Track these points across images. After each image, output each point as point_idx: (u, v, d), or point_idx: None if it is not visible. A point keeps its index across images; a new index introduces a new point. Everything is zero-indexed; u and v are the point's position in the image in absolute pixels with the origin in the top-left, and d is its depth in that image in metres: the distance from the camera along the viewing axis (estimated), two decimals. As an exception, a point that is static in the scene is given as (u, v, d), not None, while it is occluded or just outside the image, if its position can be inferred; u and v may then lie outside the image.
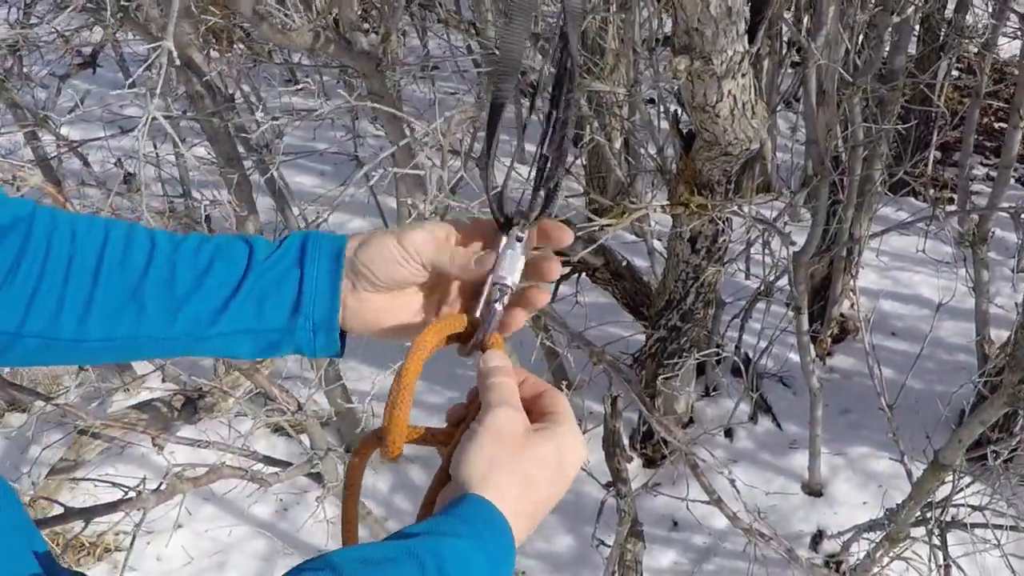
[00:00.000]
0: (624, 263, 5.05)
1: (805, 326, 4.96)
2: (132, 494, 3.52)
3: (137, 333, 1.26)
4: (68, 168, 7.43)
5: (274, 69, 9.79)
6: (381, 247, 1.28)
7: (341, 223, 8.10)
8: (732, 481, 4.56)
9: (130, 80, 3.17)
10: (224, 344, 1.29)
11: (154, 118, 2.88)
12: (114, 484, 3.80)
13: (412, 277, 1.31)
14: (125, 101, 8.22)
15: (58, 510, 3.51)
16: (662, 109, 5.91)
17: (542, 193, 1.35)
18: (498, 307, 1.30)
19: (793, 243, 4.71)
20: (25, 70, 6.96)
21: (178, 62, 2.77)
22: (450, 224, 1.35)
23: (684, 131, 4.07)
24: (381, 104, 3.80)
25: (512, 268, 1.31)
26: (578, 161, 7.04)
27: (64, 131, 6.43)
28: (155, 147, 6.45)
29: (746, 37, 3.21)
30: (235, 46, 7.71)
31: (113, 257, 1.26)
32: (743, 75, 3.32)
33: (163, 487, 3.56)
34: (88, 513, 3.46)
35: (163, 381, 6.30)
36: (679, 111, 4.23)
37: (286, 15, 3.51)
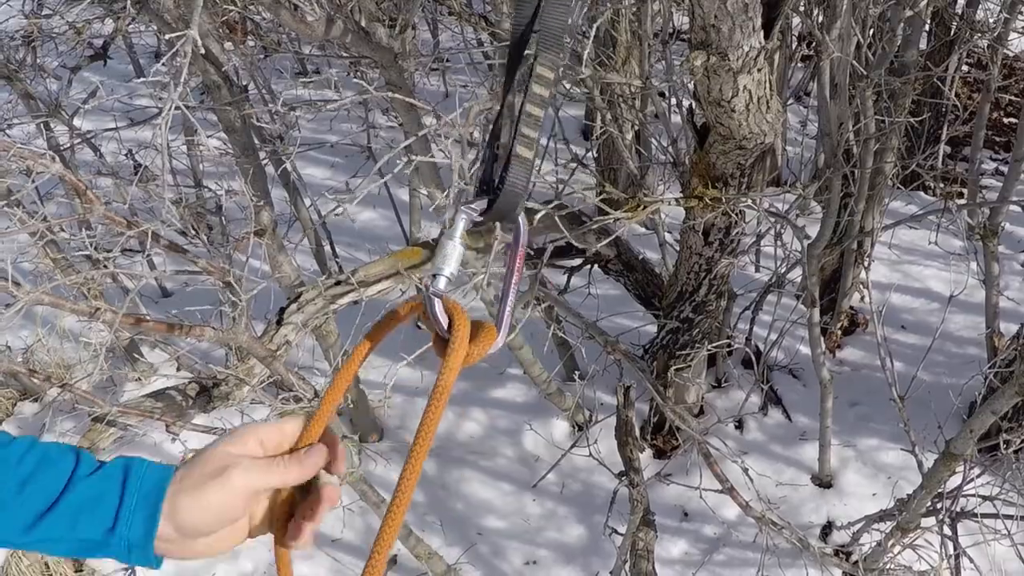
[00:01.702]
0: (637, 255, 5.07)
1: (816, 318, 4.98)
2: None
3: None
4: (80, 159, 7.46)
5: (285, 62, 9.82)
6: (205, 499, 1.28)
7: (353, 214, 8.11)
8: (745, 470, 4.58)
9: (153, 68, 3.19)
10: (40, 547, 1.29)
11: (175, 108, 2.90)
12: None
13: (240, 514, 1.33)
14: (137, 92, 8.24)
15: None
16: (675, 102, 5.93)
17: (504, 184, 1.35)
18: (437, 297, 1.31)
19: (807, 236, 4.73)
20: (38, 61, 6.99)
21: (203, 51, 2.79)
22: (277, 428, 1.36)
23: (698, 125, 4.09)
24: (399, 94, 3.82)
25: (448, 259, 1.33)
26: (589, 154, 7.06)
27: (76, 122, 6.46)
28: (167, 138, 6.47)
29: (762, 32, 3.23)
30: (248, 38, 7.74)
31: None
32: (759, 70, 3.34)
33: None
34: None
35: (178, 369, 6.33)
36: (693, 105, 4.25)
37: (304, 4, 3.53)
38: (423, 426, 1.27)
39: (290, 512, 1.37)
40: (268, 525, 1.39)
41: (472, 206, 1.34)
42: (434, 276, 1.32)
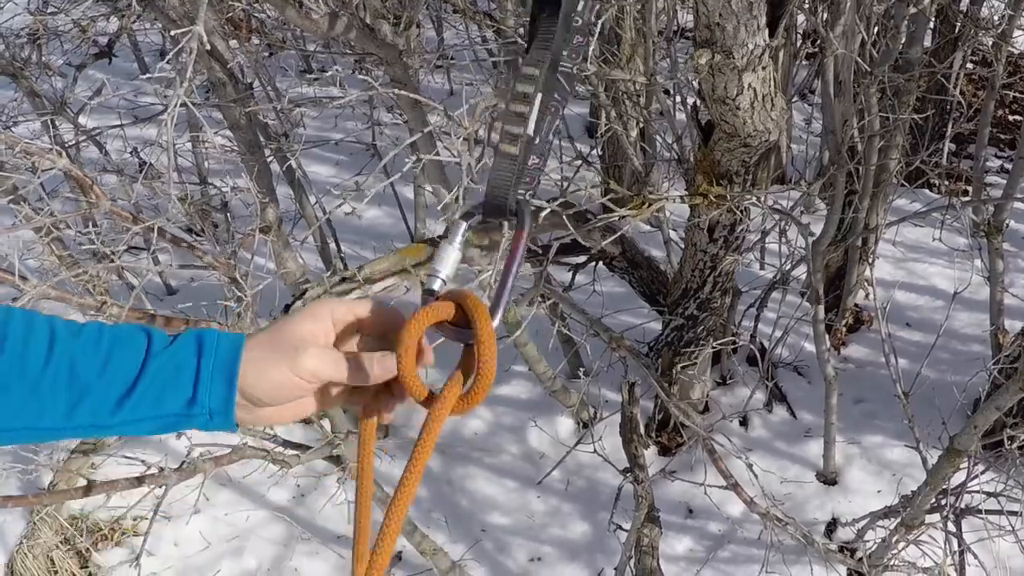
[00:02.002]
0: (642, 252, 5.07)
1: (821, 315, 4.98)
2: (154, 470, 3.56)
3: (38, 424, 1.28)
4: (86, 157, 7.47)
5: (290, 60, 9.83)
6: (271, 376, 1.31)
7: (358, 212, 8.12)
8: (750, 466, 4.58)
9: (159, 64, 3.19)
10: (125, 429, 1.32)
11: (181, 104, 2.91)
12: (140, 460, 3.83)
13: (306, 394, 1.36)
14: (142, 90, 8.26)
15: (82, 483, 3.54)
16: (679, 100, 5.93)
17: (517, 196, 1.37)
18: (431, 296, 1.35)
19: (812, 233, 4.73)
20: (44, 59, 7.00)
21: (208, 46, 2.80)
22: (349, 309, 1.38)
23: (703, 122, 4.09)
24: (404, 91, 3.82)
25: (445, 262, 1.37)
26: (594, 152, 7.07)
27: (81, 120, 6.47)
28: (167, 137, 6.48)
29: (767, 30, 3.23)
30: (253, 36, 7.74)
31: (12, 350, 1.28)
32: (763, 68, 3.34)
33: (185, 466, 3.59)
34: (111, 487, 3.49)
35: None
36: (698, 102, 4.25)
37: (310, 1, 3.54)
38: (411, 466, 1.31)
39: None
40: (346, 399, 1.42)
41: (470, 209, 1.39)
42: (430, 276, 1.36)
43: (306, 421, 5.97)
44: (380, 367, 1.34)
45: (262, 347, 1.32)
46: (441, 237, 4.38)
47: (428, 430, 1.29)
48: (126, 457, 4.04)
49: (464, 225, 1.38)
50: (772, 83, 3.46)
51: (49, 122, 6.12)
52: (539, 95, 1.37)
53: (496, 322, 1.31)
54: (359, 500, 1.45)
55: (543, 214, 4.01)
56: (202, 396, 1.29)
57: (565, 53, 1.38)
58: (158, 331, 1.34)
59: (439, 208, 3.91)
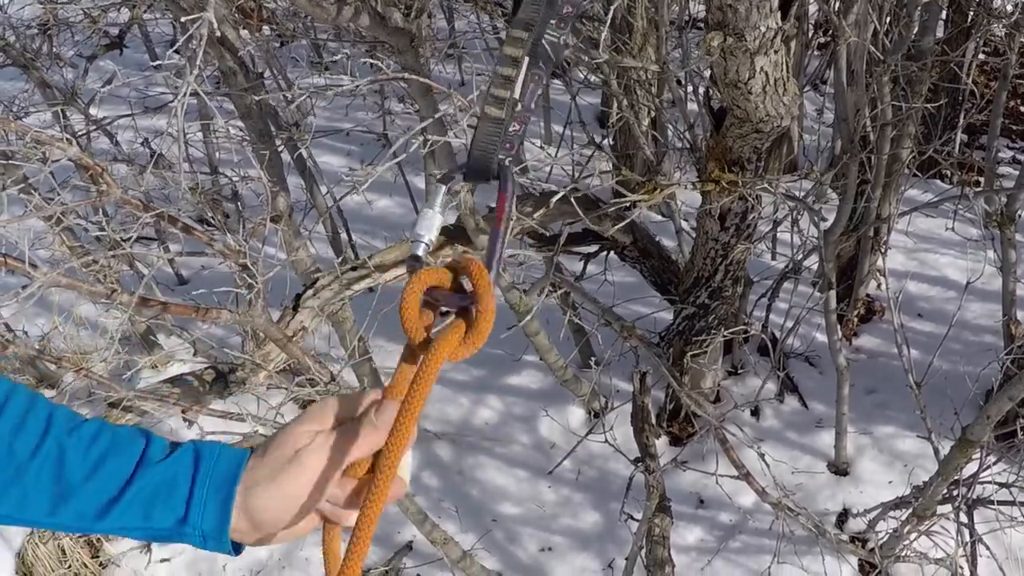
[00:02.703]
0: (653, 241, 5.07)
1: (833, 304, 4.97)
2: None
3: (20, 515, 1.25)
4: (96, 147, 7.47)
5: (301, 50, 9.83)
6: (284, 493, 1.25)
7: (370, 201, 8.12)
8: (762, 455, 4.57)
9: (169, 52, 3.19)
10: (114, 533, 1.28)
11: (192, 93, 2.90)
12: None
13: (318, 499, 1.28)
14: (153, 81, 8.26)
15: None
16: (691, 88, 5.92)
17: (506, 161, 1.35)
18: (416, 262, 1.33)
19: (824, 219, 4.72)
20: (55, 50, 7.00)
21: (218, 33, 2.79)
22: (327, 410, 1.30)
23: (715, 108, 4.08)
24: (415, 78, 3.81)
25: (428, 226, 1.35)
26: (606, 141, 7.06)
27: (92, 111, 6.47)
28: (178, 126, 6.48)
29: (779, 13, 3.22)
30: (263, 26, 7.74)
31: (5, 426, 1.25)
32: (775, 51, 3.33)
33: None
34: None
35: (194, 355, 6.34)
36: (710, 89, 4.24)
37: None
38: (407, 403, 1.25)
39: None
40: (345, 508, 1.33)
41: (449, 172, 1.37)
42: (414, 242, 1.34)
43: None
44: (383, 418, 1.26)
45: (264, 463, 1.27)
46: (455, 226, 4.38)
47: (426, 370, 1.23)
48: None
49: (443, 188, 1.36)
50: (784, 67, 3.45)
51: (60, 113, 6.11)
52: (527, 59, 1.35)
53: (492, 276, 1.29)
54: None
55: (553, 200, 4.00)
56: (194, 518, 1.25)
57: (552, 22, 1.37)
58: (159, 439, 1.30)
59: (447, 193, 3.90)
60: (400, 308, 1.27)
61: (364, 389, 1.37)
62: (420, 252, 1.33)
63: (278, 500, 1.25)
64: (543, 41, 1.37)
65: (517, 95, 1.35)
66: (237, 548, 1.31)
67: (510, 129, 1.35)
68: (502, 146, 1.34)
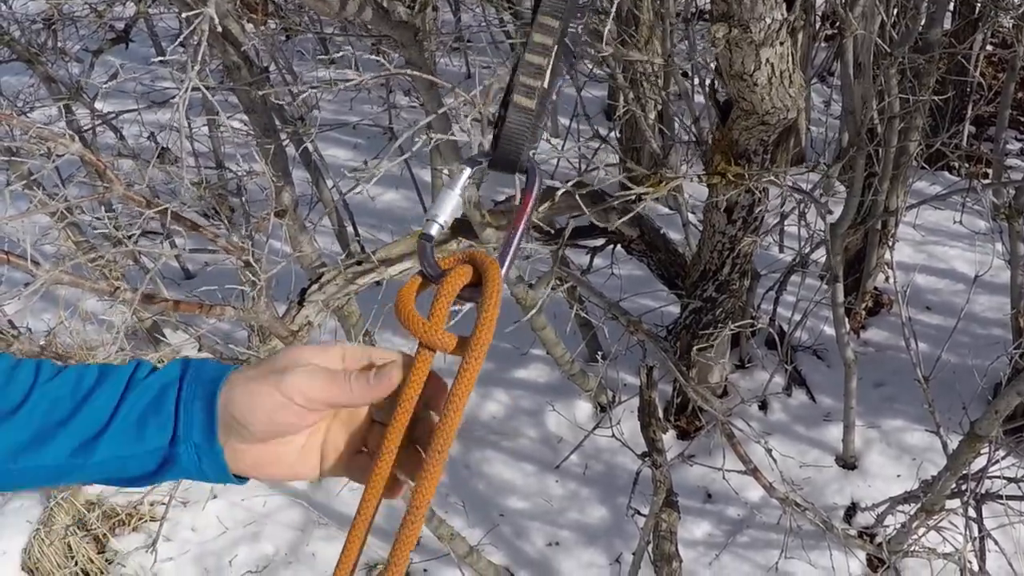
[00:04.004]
0: (660, 234, 5.05)
1: (840, 297, 4.95)
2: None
3: (8, 465, 1.21)
4: (102, 142, 7.46)
5: (307, 44, 9.81)
6: (259, 400, 1.20)
7: (374, 196, 8.12)
8: (769, 451, 4.56)
9: (172, 47, 3.18)
10: (107, 471, 1.23)
11: (195, 88, 2.89)
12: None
13: (297, 424, 1.23)
14: (158, 75, 8.25)
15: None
16: (697, 81, 5.90)
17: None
18: (427, 245, 1.28)
19: (830, 212, 4.70)
20: (60, 45, 6.99)
21: (220, 28, 2.77)
22: (364, 352, 1.26)
23: (721, 101, 4.06)
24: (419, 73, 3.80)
25: (444, 207, 1.31)
26: (612, 134, 7.04)
27: (97, 105, 6.46)
28: (188, 120, 6.47)
29: (784, 4, 3.20)
30: (268, 20, 7.73)
31: None
32: (781, 43, 3.31)
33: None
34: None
35: (200, 350, 6.34)
36: (715, 81, 4.22)
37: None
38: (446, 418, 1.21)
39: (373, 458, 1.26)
40: (345, 468, 1.30)
41: (476, 157, 1.32)
42: (427, 221, 1.30)
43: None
44: (379, 379, 1.21)
45: (252, 369, 1.23)
46: (459, 219, 4.36)
47: (462, 380, 1.19)
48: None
49: (468, 171, 1.32)
50: (790, 59, 3.43)
51: (65, 107, 6.11)
52: (556, 46, 1.33)
53: (504, 271, 1.27)
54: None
55: (559, 194, 3.99)
56: (183, 427, 1.20)
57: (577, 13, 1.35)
58: (147, 362, 1.27)
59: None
60: (431, 319, 1.23)
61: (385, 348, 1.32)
62: (433, 231, 1.29)
63: (251, 403, 1.19)
64: (567, 33, 1.35)
65: (546, 85, 1.32)
66: (239, 478, 1.27)
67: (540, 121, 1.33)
68: (533, 139, 1.32)
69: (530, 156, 1.31)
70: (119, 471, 1.23)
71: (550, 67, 1.32)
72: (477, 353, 1.20)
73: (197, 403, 1.21)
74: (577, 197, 4.01)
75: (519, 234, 1.29)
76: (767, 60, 3.33)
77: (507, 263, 1.27)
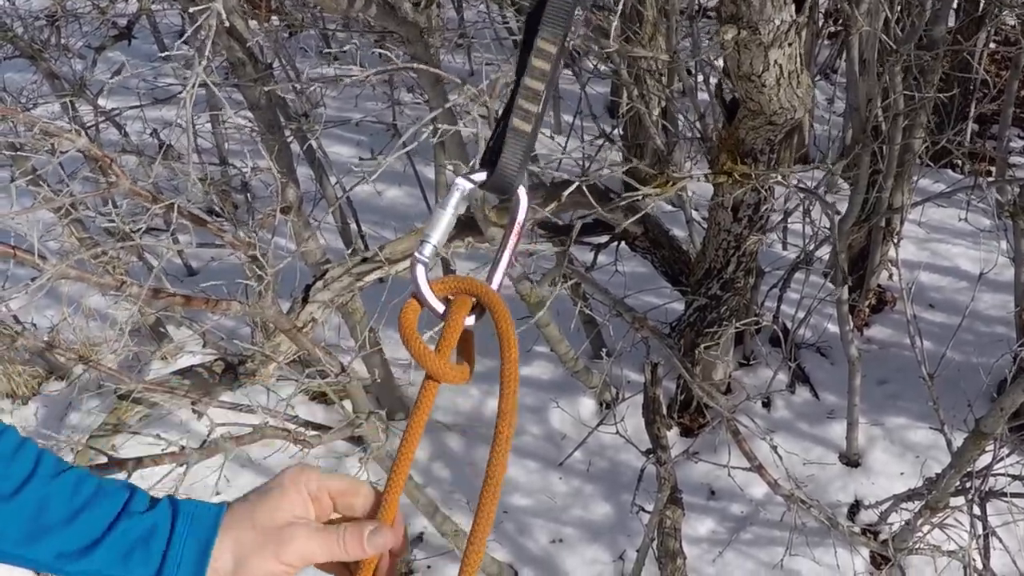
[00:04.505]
0: (665, 232, 5.05)
1: (845, 295, 4.95)
2: (175, 448, 3.55)
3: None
4: (105, 138, 7.47)
5: (310, 41, 9.82)
6: (254, 566, 1.27)
7: (379, 193, 8.12)
8: (774, 447, 4.56)
9: (178, 43, 3.17)
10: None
11: (201, 84, 2.89)
12: (159, 437, 3.83)
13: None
14: (161, 72, 8.26)
15: (103, 460, 3.53)
16: (702, 79, 5.90)
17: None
18: (420, 267, 1.31)
19: (837, 212, 4.70)
20: (63, 41, 7.00)
21: (227, 24, 2.77)
22: (322, 484, 1.34)
23: (727, 100, 4.06)
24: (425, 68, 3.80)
25: (437, 227, 1.33)
26: (616, 131, 7.04)
27: (100, 102, 6.47)
28: (187, 116, 6.46)
29: (793, 6, 3.20)
30: (272, 16, 7.73)
31: None
32: (789, 44, 3.31)
33: (206, 445, 3.58)
34: (132, 464, 3.48)
35: (204, 346, 6.35)
36: (723, 80, 4.22)
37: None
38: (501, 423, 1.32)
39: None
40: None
41: (472, 176, 1.34)
42: (421, 243, 1.32)
43: (327, 401, 5.98)
44: (372, 545, 1.30)
45: (243, 531, 1.28)
46: (465, 216, 4.36)
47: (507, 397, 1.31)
48: (158, 436, 4.03)
49: (459, 191, 1.34)
50: (798, 60, 3.43)
51: (68, 104, 6.11)
52: (553, 72, 1.34)
53: (495, 285, 1.32)
54: None
55: (566, 193, 3.99)
56: (169, 570, 1.25)
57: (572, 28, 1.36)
58: (142, 492, 1.32)
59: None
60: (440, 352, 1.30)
61: (354, 479, 1.38)
62: (427, 252, 1.32)
63: (253, 572, 1.26)
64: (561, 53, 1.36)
65: (540, 109, 1.33)
66: None
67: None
68: (526, 164, 1.33)
69: (523, 182, 1.33)
70: None
71: (545, 94, 1.34)
72: (509, 392, 1.28)
73: (186, 559, 1.26)
74: (587, 194, 4.01)
75: (507, 258, 1.32)
76: (775, 61, 3.33)
77: (498, 283, 1.31)
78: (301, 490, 1.31)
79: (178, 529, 1.27)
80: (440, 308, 1.31)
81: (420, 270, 1.30)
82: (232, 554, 1.26)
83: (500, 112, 1.35)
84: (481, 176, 1.34)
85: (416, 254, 1.31)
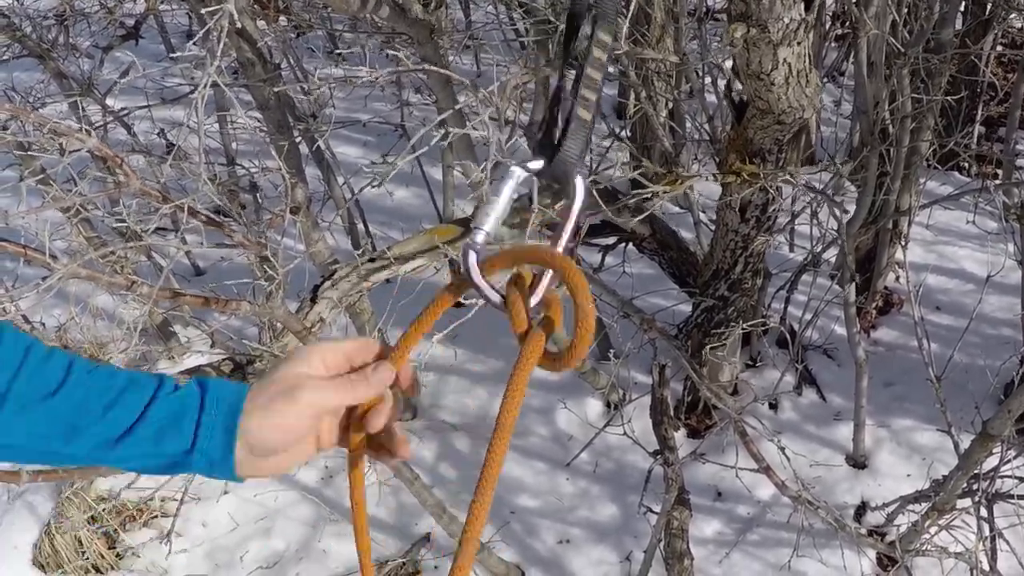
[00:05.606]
0: (672, 233, 5.06)
1: (852, 297, 4.96)
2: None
3: (36, 446, 1.31)
4: (113, 138, 7.47)
5: (317, 42, 9.82)
6: (273, 419, 1.33)
7: (386, 193, 8.12)
8: (782, 448, 4.56)
9: (188, 44, 3.18)
10: (124, 464, 1.36)
11: (211, 84, 2.90)
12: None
13: (309, 432, 1.39)
14: (169, 72, 8.26)
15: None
16: (709, 80, 5.90)
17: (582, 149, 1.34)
18: (472, 254, 1.31)
19: (846, 211, 4.70)
20: (71, 41, 7.00)
21: (239, 24, 2.78)
22: (336, 348, 1.40)
23: (736, 100, 4.07)
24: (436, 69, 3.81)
25: (489, 216, 1.33)
26: (624, 132, 7.04)
27: (108, 102, 6.48)
28: (198, 116, 6.45)
29: (802, 4, 3.21)
30: (280, 17, 7.73)
31: (28, 374, 1.31)
32: (798, 43, 3.31)
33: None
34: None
35: (212, 346, 6.35)
36: (731, 80, 4.22)
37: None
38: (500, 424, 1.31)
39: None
40: (339, 440, 1.44)
41: (528, 164, 1.33)
42: (474, 229, 1.33)
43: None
44: (376, 379, 1.37)
45: (261, 394, 1.35)
46: (472, 213, 4.37)
47: (516, 380, 1.29)
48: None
49: (515, 177, 1.34)
50: (807, 58, 3.44)
51: (77, 103, 6.12)
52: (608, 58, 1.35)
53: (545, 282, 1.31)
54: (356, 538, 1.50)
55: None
56: (202, 443, 1.33)
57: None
58: (170, 378, 1.37)
59: (468, 184, 3.89)
60: (509, 303, 1.30)
61: (368, 338, 1.42)
62: (479, 239, 1.32)
63: (271, 428, 1.33)
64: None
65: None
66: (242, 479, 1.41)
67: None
68: (585, 154, 1.34)
69: (582, 172, 1.34)
70: (133, 466, 1.37)
71: (601, 80, 1.34)
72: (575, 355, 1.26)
73: (219, 427, 1.34)
74: (596, 195, 4.01)
75: (563, 242, 1.32)
76: (784, 60, 3.33)
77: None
78: (315, 360, 1.37)
79: (208, 404, 1.33)
80: (496, 298, 1.31)
81: (472, 257, 1.31)
82: (257, 420, 1.33)
83: (549, 101, 1.35)
84: (538, 164, 1.34)
85: (468, 240, 1.31)
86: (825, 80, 8.12)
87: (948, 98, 5.21)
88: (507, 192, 1.33)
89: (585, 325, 1.26)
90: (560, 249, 1.31)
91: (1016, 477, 4.18)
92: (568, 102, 1.31)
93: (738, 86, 3.95)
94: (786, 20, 3.16)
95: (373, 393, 1.37)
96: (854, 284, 4.96)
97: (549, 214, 4.24)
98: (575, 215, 1.32)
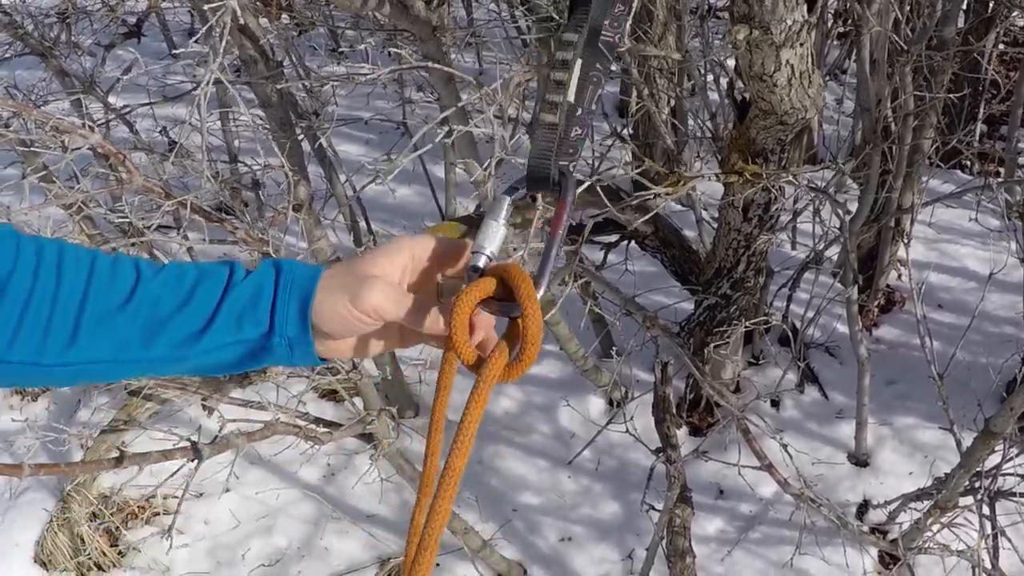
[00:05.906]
0: (675, 231, 5.05)
1: (854, 295, 4.95)
2: (186, 443, 3.56)
3: (119, 356, 1.30)
4: (115, 136, 7.48)
5: (320, 39, 9.82)
6: (334, 309, 1.31)
7: (387, 191, 8.12)
8: (784, 446, 4.56)
9: (191, 41, 3.18)
10: (207, 358, 1.34)
11: (213, 82, 2.90)
12: (170, 432, 3.84)
13: (368, 330, 1.36)
14: (171, 70, 8.27)
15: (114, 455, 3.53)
16: (712, 78, 5.90)
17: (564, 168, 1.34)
18: (477, 274, 1.31)
19: (848, 211, 4.70)
20: (73, 38, 7.00)
21: (242, 21, 2.78)
22: (427, 246, 1.38)
23: (739, 99, 4.06)
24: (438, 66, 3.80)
25: (491, 239, 1.34)
26: (626, 130, 7.04)
27: (111, 99, 6.48)
28: (200, 113, 6.46)
29: (805, 6, 3.20)
30: (282, 14, 7.73)
31: (99, 288, 1.30)
32: (801, 44, 3.31)
33: (217, 441, 3.59)
34: (143, 458, 3.48)
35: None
36: (734, 80, 4.22)
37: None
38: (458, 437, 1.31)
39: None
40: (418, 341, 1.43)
41: (513, 184, 1.36)
42: (475, 253, 1.33)
43: (337, 398, 5.98)
44: (432, 321, 1.32)
45: (333, 279, 1.33)
46: (477, 214, 4.37)
47: (477, 394, 1.29)
48: (171, 432, 4.05)
49: (508, 200, 1.35)
50: (810, 59, 3.43)
51: (80, 101, 6.12)
52: (579, 60, 1.34)
53: (541, 292, 1.29)
54: (429, 439, 1.46)
55: (578, 191, 3.99)
56: (279, 325, 1.32)
57: (606, 22, 1.36)
58: (240, 265, 1.36)
59: (471, 182, 3.89)
60: (450, 331, 1.28)
61: (463, 238, 1.42)
62: (481, 263, 1.32)
63: (331, 315, 1.32)
64: (599, 43, 1.35)
65: (572, 99, 1.34)
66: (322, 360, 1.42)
67: (571, 134, 1.34)
68: (562, 152, 1.34)
69: (563, 167, 1.34)
70: (216, 359, 1.34)
71: (573, 81, 1.34)
72: (525, 359, 1.28)
73: (293, 304, 1.33)
74: (600, 192, 4.01)
75: (555, 245, 1.32)
76: (787, 61, 3.33)
77: (546, 275, 1.31)
78: (404, 252, 1.36)
79: (282, 284, 1.33)
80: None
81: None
82: (324, 305, 1.32)
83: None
84: (522, 181, 1.35)
85: (471, 264, 1.33)
86: (827, 78, 8.12)
87: (950, 96, 5.21)
88: (503, 215, 1.35)
89: (530, 337, 1.29)
90: (553, 244, 1.31)
91: (1018, 475, 4.17)
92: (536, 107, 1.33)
93: (740, 85, 3.95)
94: (789, 22, 3.16)
95: (428, 331, 1.33)
96: (856, 282, 4.96)
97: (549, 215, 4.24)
98: (566, 214, 1.32)
